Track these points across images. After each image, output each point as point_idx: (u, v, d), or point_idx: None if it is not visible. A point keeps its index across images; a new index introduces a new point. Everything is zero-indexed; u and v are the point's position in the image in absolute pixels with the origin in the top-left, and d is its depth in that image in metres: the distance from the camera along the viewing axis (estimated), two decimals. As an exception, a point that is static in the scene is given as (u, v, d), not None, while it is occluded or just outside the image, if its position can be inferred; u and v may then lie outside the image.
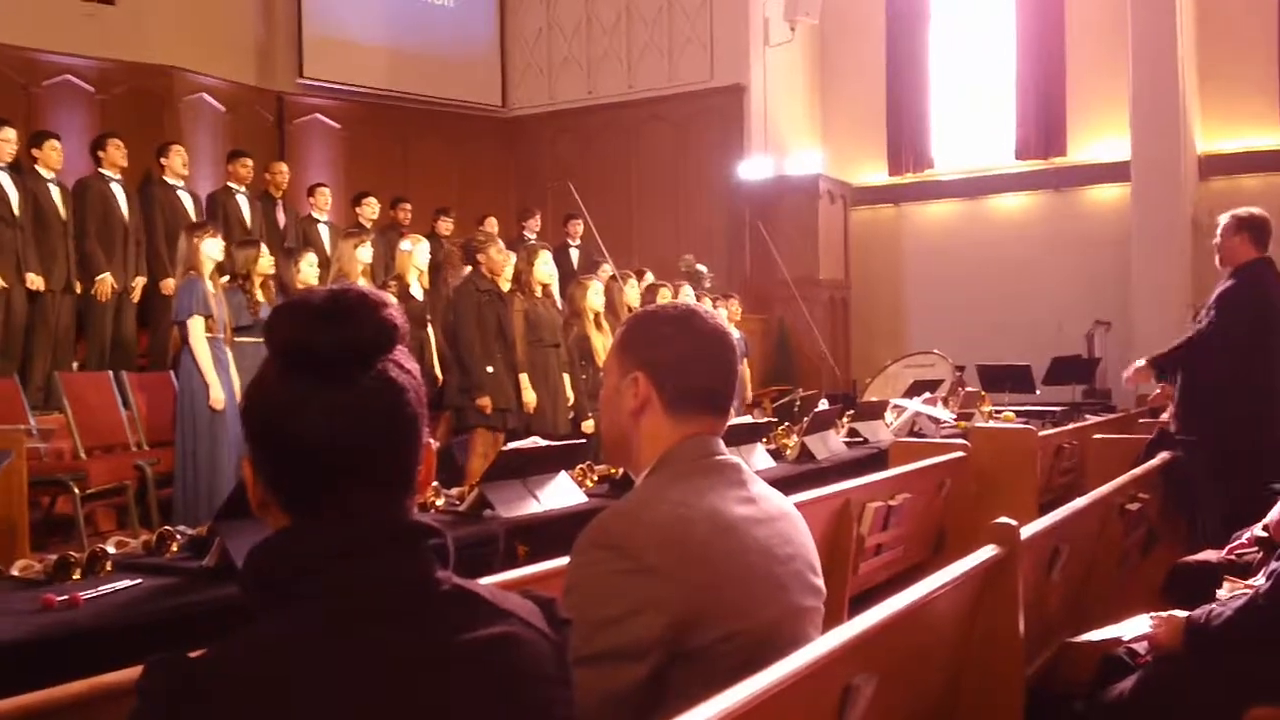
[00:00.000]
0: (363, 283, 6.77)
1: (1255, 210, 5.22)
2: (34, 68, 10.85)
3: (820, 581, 1.81)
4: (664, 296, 8.43)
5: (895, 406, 7.12)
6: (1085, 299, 12.30)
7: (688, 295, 9.02)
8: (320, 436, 1.15)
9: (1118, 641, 3.05)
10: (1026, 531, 2.63)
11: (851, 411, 6.79)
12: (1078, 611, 3.58)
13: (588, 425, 7.61)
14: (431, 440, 1.27)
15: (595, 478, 4.45)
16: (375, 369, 1.19)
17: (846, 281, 13.54)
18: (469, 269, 7.90)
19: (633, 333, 1.86)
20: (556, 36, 14.27)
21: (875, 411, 6.81)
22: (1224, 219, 5.21)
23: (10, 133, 7.63)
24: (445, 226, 10.45)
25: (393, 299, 1.27)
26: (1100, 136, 12.65)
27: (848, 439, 6.28)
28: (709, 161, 13.15)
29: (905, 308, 13.67)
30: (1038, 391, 9.36)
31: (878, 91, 13.73)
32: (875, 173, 13.86)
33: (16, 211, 7.57)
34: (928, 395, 7.79)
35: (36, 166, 7.88)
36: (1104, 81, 12.38)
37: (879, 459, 5.63)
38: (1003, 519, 2.52)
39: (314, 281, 7.39)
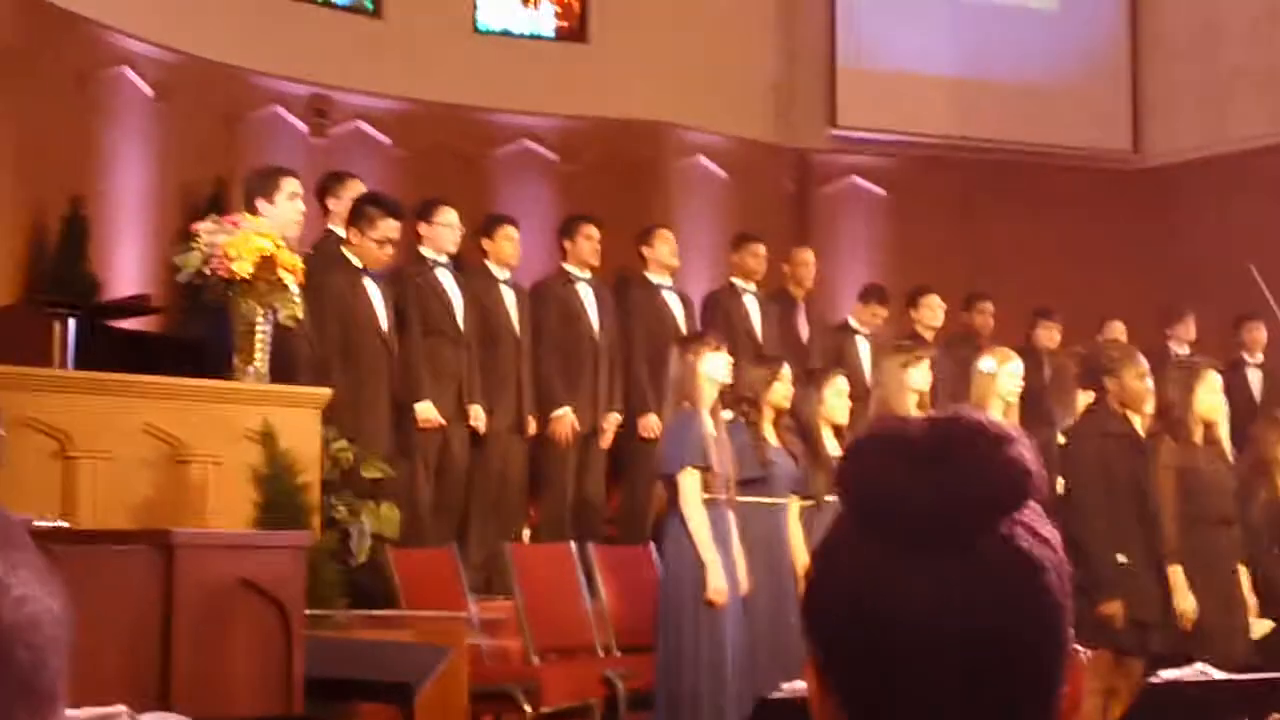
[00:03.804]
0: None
1: None
2: (486, 133, 12.12)
3: None
4: None
5: None
6: None
7: None
8: (918, 630, 1.18)
9: None
10: None
11: None
12: None
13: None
14: (1079, 646, 1.27)
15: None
16: (997, 535, 1.21)
17: None
18: (1086, 397, 7.76)
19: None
20: (1224, 45, 13.83)
21: None
22: None
23: (451, 216, 8.52)
24: (1048, 336, 10.39)
25: (1020, 433, 1.29)
26: None
27: None
28: None
29: None
30: None
31: None
32: None
33: (461, 323, 8.39)
34: None
35: (487, 262, 8.75)
36: None
37: None
38: None
39: (841, 419, 7.60)
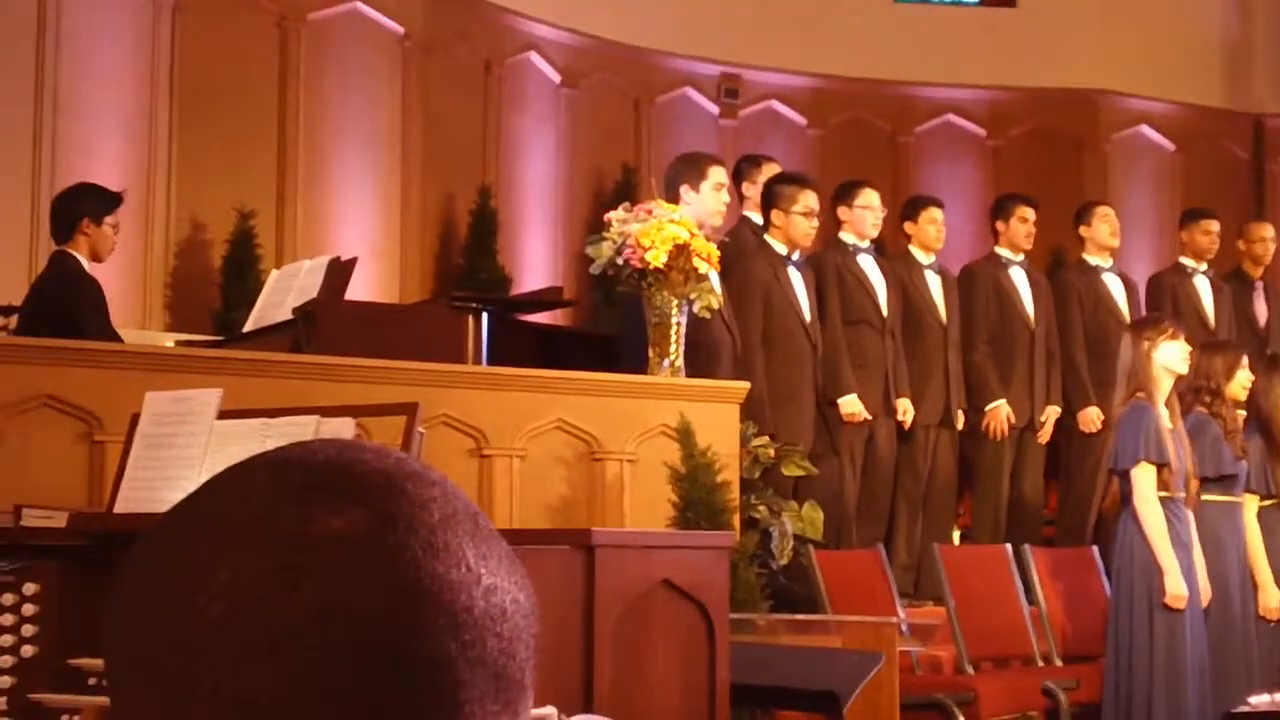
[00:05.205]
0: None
1: None
2: (907, 108, 12.14)
3: None
4: None
5: None
6: None
7: None
8: None
9: None
10: None
11: None
12: None
13: None
14: None
15: None
16: None
17: None
18: None
19: None
20: None
21: None
22: None
23: (872, 198, 8.59)
24: None
25: None
26: None
27: None
28: None
29: None
30: None
31: None
32: None
33: (885, 311, 8.46)
34: None
35: (910, 246, 8.81)
36: None
37: None
38: None
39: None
